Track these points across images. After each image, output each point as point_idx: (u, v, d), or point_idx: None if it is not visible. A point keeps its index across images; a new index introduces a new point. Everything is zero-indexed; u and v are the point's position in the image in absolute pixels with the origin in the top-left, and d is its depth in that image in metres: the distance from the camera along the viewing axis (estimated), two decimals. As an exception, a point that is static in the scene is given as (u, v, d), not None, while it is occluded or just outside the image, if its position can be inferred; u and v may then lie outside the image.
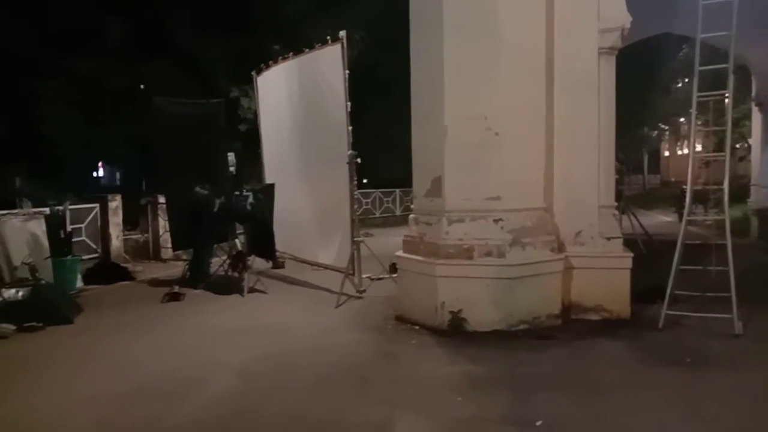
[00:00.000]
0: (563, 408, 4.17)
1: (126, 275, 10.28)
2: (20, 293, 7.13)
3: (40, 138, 16.64)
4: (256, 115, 12.36)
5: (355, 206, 7.96)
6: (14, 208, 10.31)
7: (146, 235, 12.75)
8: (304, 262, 9.54)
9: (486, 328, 5.90)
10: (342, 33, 7.61)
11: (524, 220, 6.09)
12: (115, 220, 11.60)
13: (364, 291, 7.96)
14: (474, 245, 6.00)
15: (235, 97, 15.24)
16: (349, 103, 7.69)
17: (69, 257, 9.30)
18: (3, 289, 7.06)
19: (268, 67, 9.98)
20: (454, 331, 5.93)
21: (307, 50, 8.58)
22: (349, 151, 7.75)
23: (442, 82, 6.09)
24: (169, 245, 12.37)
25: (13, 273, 8.85)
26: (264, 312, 7.48)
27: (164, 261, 12.32)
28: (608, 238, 6.50)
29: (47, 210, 9.56)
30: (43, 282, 7.63)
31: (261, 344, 5.96)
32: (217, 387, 4.81)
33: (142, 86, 17.42)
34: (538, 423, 3.89)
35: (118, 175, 32.63)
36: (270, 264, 10.21)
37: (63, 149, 17.96)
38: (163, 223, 12.41)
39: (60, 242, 9.25)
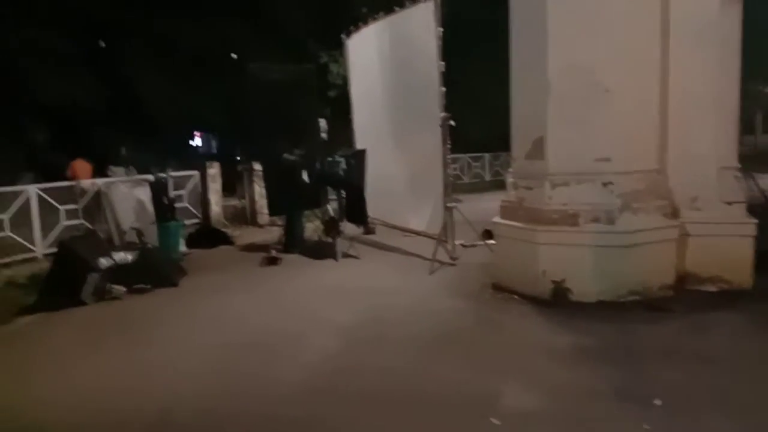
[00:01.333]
0: (682, 385, 3.85)
1: (226, 240, 10.65)
2: (129, 256, 7.51)
3: (141, 108, 17.52)
4: (345, 80, 12.29)
5: (448, 170, 7.72)
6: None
7: (243, 200, 13.14)
8: (395, 227, 9.47)
9: (591, 299, 5.57)
10: (435, -12, 7.31)
11: (635, 183, 5.64)
12: (215, 187, 12.00)
13: (458, 258, 7.77)
14: (580, 211, 5.64)
15: (324, 62, 15.25)
16: (442, 63, 7.41)
17: (172, 222, 9.72)
18: (113, 253, 7.44)
19: (357, 29, 9.81)
20: (557, 301, 5.64)
21: (398, 9, 8.32)
22: (442, 113, 7.50)
23: (545, 32, 5.66)
24: (265, 211, 12.77)
25: (122, 237, 9.42)
26: (359, 276, 7.49)
27: (261, 226, 12.65)
28: (728, 203, 5.93)
29: (151, 177, 10.00)
30: (150, 246, 7.99)
31: (359, 306, 5.99)
32: (321, 344, 4.92)
33: (234, 55, 17.84)
34: (658, 402, 3.60)
35: (213, 143, 33.91)
36: (361, 229, 10.25)
37: (163, 118, 18.85)
38: (259, 189, 12.73)
39: (164, 208, 9.67)
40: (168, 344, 5.20)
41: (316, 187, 9.66)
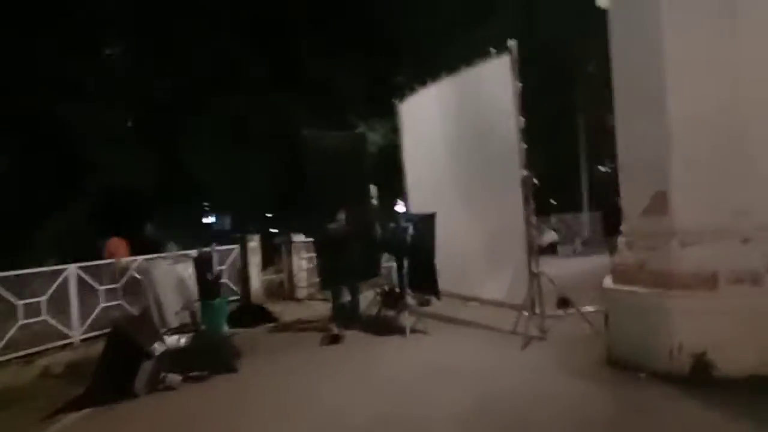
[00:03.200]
0: None
1: (269, 317, 9.87)
2: (182, 340, 6.75)
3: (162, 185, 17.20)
4: (380, 149, 11.86)
5: (534, 233, 7.05)
6: (148, 253, 10.23)
7: (281, 274, 12.44)
8: (464, 298, 8.66)
9: (740, 374, 4.74)
10: (512, 43, 6.89)
11: (780, 239, 4.95)
12: (255, 261, 11.31)
13: (547, 330, 6.96)
14: (718, 272, 4.92)
15: (361, 132, 14.93)
16: (522, 119, 6.91)
17: (217, 300, 8.99)
18: (165, 336, 6.69)
19: (413, 92, 9.39)
20: (698, 379, 4.82)
21: (464, 67, 7.90)
22: (524, 172, 6.93)
23: (662, 69, 5.10)
24: (302, 285, 12.11)
25: (164, 317, 8.65)
26: (442, 355, 6.65)
27: (299, 300, 11.93)
28: None
29: (194, 252, 9.36)
30: (203, 328, 7.25)
31: (465, 392, 5.16)
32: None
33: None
34: None
35: (227, 219, 33.43)
36: (414, 301, 9.47)
37: (185, 195, 18.52)
38: (297, 262, 12.12)
39: (208, 285, 8.97)
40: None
41: (370, 256, 9.01)
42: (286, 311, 10.72)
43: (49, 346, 7.90)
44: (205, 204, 19.96)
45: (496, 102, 7.26)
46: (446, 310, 8.78)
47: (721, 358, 4.82)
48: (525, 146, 6.95)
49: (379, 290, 9.16)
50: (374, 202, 9.68)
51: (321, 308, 10.80)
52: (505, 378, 5.53)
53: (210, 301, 8.81)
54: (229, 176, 16.55)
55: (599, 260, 12.38)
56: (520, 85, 6.90)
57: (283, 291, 12.25)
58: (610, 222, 11.04)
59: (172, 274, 9.18)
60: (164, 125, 15.71)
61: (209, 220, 32.22)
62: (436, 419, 4.52)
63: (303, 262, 12.43)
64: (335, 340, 7.62)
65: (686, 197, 5.08)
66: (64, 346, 8.04)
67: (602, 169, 19.99)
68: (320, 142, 9.08)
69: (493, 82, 7.29)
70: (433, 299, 9.35)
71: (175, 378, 6.17)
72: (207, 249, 9.44)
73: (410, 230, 7.62)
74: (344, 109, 14.97)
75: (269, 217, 22.37)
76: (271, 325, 9.53)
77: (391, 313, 8.56)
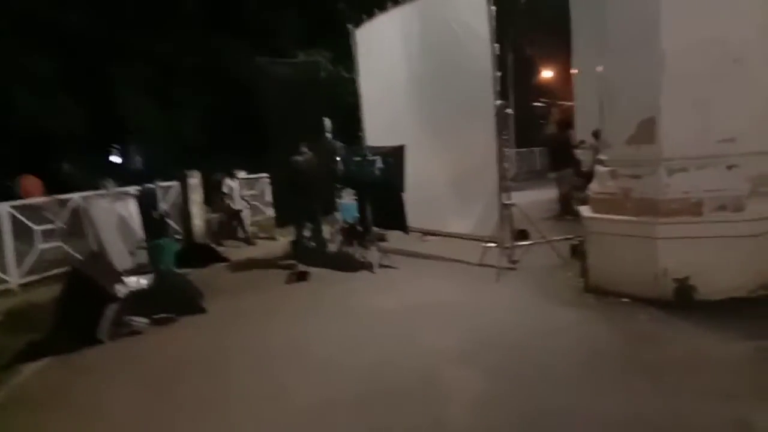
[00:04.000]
0: None
1: (219, 257, 9.43)
2: (143, 281, 6.29)
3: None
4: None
5: (506, 164, 6.98)
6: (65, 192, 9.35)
7: (222, 214, 11.86)
8: (428, 233, 8.56)
9: (721, 296, 4.92)
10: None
11: (762, 166, 5.08)
12: (196, 199, 10.67)
13: (517, 261, 7.02)
14: (703, 199, 5.02)
15: (316, 60, 13.96)
16: (497, 45, 6.67)
17: (165, 239, 8.44)
18: (125, 278, 6.19)
19: (371, 17, 8.84)
20: (682, 302, 4.96)
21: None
22: (497, 101, 6.77)
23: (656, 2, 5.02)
24: (247, 224, 11.64)
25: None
26: (417, 290, 6.51)
27: (241, 240, 11.49)
28: None
29: (137, 189, 8.67)
30: (163, 267, 6.77)
31: (457, 327, 5.07)
32: (459, 383, 3.97)
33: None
34: None
35: (138, 159, 30.95)
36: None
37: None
38: (240, 201, 11.60)
39: (154, 224, 8.39)
40: (255, 404, 3.94)
41: (331, 191, 8.70)
42: (232, 251, 10.29)
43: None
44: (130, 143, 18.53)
45: (468, 28, 6.96)
46: (408, 245, 8.64)
47: (703, 282, 4.97)
48: (499, 74, 6.75)
49: (338, 226, 8.91)
50: (329, 135, 9.25)
51: (269, 247, 10.47)
52: (493, 311, 5.50)
53: (158, 241, 8.26)
54: (160, 115, 15.36)
55: (535, 194, 12.75)
56: (494, 8, 6.62)
57: (226, 230, 11.72)
58: (557, 157, 11.23)
59: (113, 212, 8.50)
60: (92, 65, 14.21)
61: (116, 159, 29.92)
62: (436, 355, 4.40)
63: (246, 200, 11.95)
64: (301, 277, 7.35)
65: (674, 125, 5.08)
66: (3, 292, 7.30)
67: (538, 104, 20.22)
68: (273, 70, 8.49)
69: (464, 6, 6.97)
70: (389, 234, 9.28)
71: (140, 321, 5.76)
72: (150, 185, 8.76)
73: (378, 164, 7.32)
74: (284, 43, 13.85)
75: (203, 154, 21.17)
76: (223, 264, 9.13)
77: (352, 249, 8.35)
